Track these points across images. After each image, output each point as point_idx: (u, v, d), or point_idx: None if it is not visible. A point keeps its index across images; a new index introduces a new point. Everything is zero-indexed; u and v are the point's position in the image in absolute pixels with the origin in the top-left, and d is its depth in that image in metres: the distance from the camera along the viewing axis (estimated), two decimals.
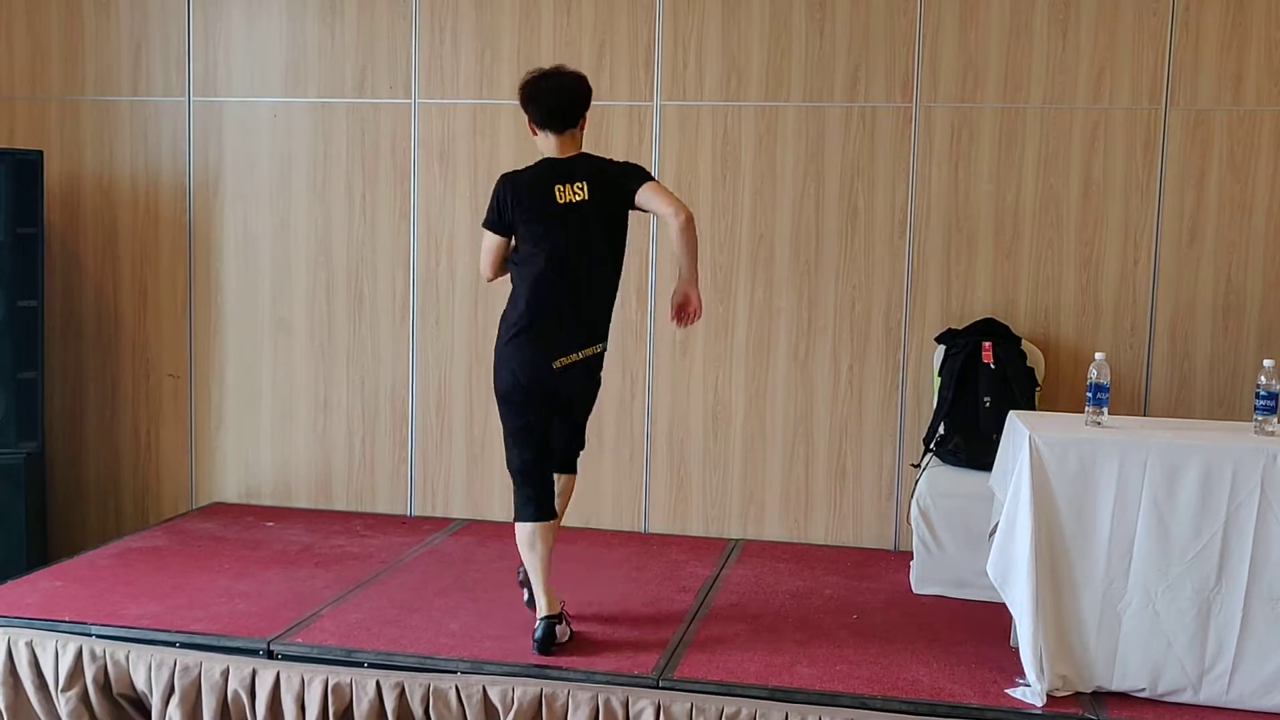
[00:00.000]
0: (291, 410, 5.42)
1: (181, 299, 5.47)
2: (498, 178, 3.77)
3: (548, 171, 3.69)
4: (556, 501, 3.81)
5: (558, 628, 3.66)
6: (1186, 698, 3.42)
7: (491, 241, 3.76)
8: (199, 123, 5.40)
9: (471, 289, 5.21)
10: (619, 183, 3.68)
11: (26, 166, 5.03)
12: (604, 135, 5.01)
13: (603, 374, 3.87)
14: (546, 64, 4.96)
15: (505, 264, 3.80)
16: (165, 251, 5.46)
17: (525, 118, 3.75)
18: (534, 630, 3.66)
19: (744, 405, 5.05)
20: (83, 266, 5.53)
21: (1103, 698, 3.45)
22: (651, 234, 5.00)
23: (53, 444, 5.51)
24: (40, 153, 5.12)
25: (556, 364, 3.65)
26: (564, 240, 3.64)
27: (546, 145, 3.74)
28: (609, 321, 3.80)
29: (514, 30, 5.10)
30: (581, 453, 4.01)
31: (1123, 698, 3.45)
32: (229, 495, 5.51)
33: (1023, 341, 4.70)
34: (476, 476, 5.29)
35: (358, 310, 5.33)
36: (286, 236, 5.36)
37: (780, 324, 5.00)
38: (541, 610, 3.68)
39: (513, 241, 3.75)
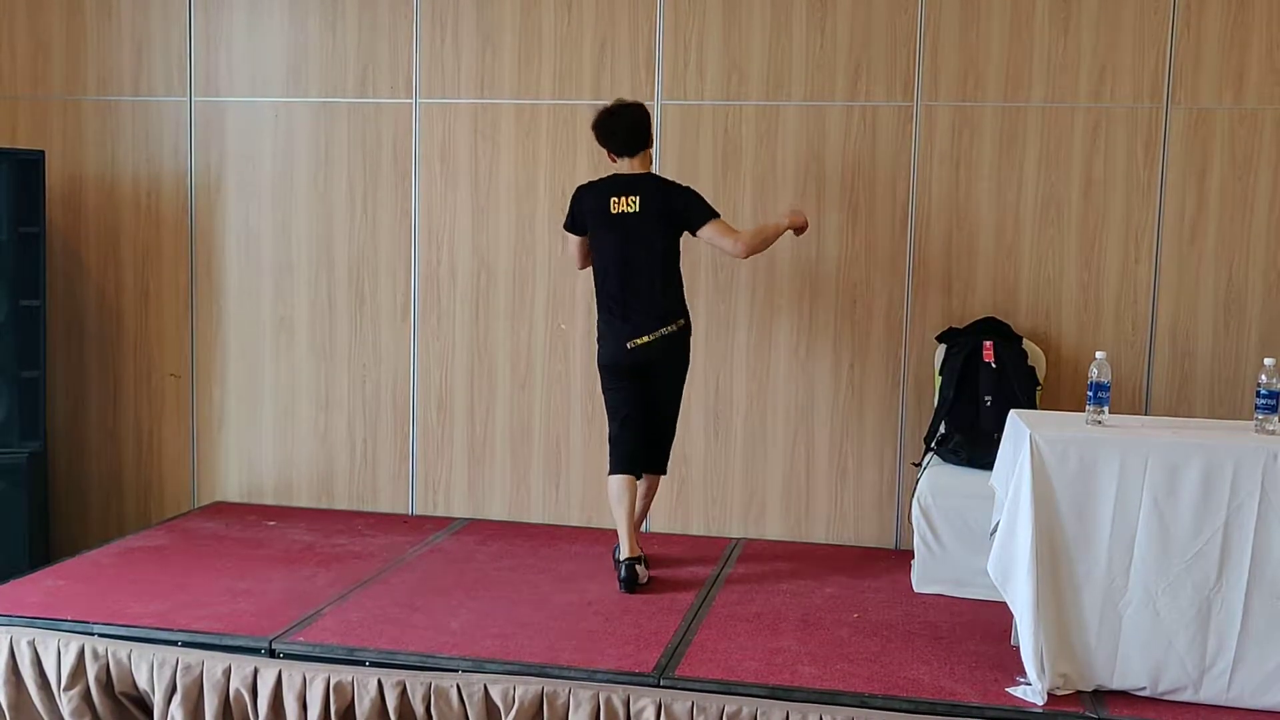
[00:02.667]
0: (293, 409, 5.43)
1: (183, 298, 5.48)
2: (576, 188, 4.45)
3: (610, 186, 4.36)
4: (638, 503, 4.41)
5: (638, 568, 4.25)
6: (1187, 696, 3.42)
7: (570, 241, 4.52)
8: (201, 122, 5.41)
9: (473, 288, 5.22)
10: (680, 212, 4.31)
11: (29, 166, 5.03)
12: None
13: (688, 352, 4.40)
14: (547, 63, 5.06)
15: (589, 257, 4.48)
16: (167, 251, 5.47)
17: (602, 149, 4.39)
18: (617, 572, 4.28)
19: (745, 404, 5.05)
20: (85, 266, 5.54)
21: (1103, 696, 3.45)
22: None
23: (55, 443, 5.52)
24: (42, 152, 5.13)
25: (630, 344, 4.29)
26: (616, 242, 4.31)
27: (622, 167, 4.38)
28: (678, 302, 4.37)
29: (515, 30, 5.10)
30: (669, 453, 4.51)
31: (1124, 696, 3.45)
32: (231, 494, 5.52)
33: (1023, 340, 4.70)
34: (478, 475, 5.30)
35: (359, 309, 5.33)
36: (288, 236, 5.37)
37: (781, 322, 5.00)
38: (624, 553, 4.26)
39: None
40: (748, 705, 3.36)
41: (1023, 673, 3.48)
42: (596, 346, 4.45)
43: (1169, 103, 4.68)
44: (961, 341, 4.65)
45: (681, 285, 4.42)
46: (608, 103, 4.44)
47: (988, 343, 4.57)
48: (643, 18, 4.99)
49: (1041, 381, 4.65)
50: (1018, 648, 3.56)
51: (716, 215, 4.33)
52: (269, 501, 5.47)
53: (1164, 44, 4.66)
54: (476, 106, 5.17)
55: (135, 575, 4.35)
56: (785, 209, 4.66)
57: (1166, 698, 3.43)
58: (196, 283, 5.46)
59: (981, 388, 4.53)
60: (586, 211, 4.38)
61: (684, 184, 4.42)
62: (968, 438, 4.48)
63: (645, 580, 4.29)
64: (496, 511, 5.27)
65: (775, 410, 5.03)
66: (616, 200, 4.30)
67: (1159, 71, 4.67)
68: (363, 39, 5.23)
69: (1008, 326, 4.73)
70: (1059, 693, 3.43)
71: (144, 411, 5.56)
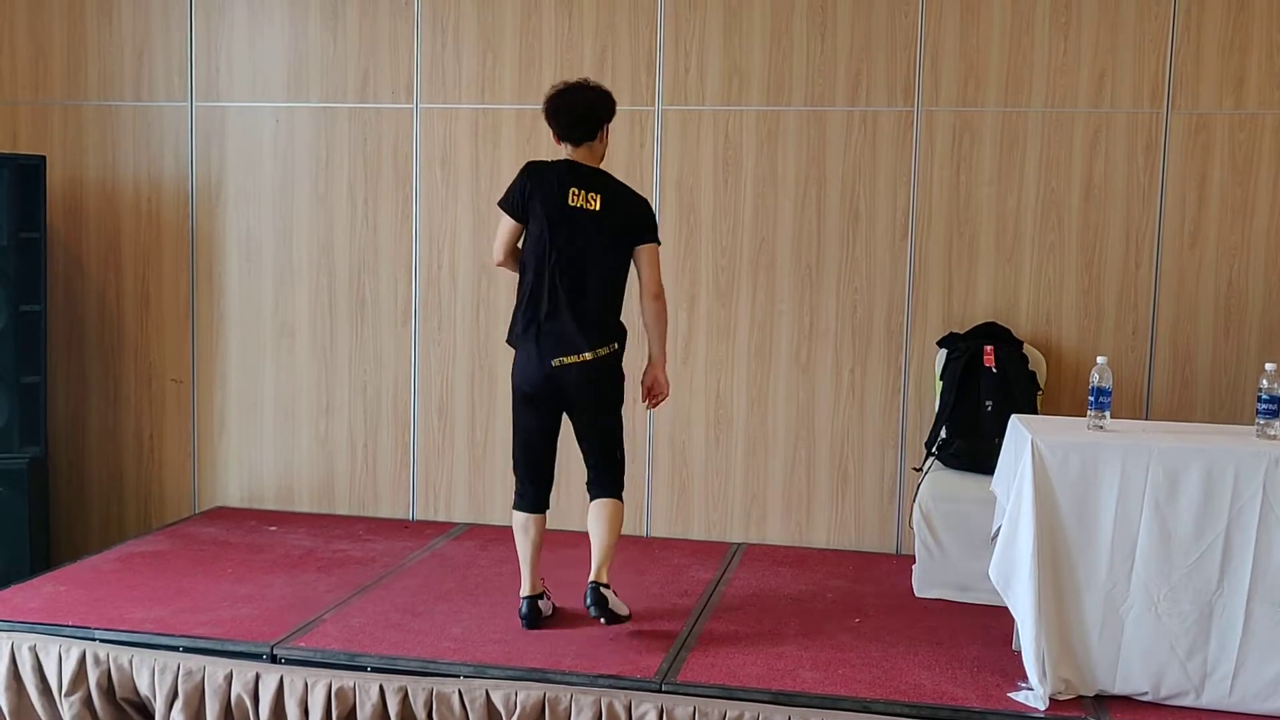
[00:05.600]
0: (294, 414, 5.43)
1: (184, 303, 5.48)
2: (524, 164, 3.94)
3: (570, 173, 3.80)
4: (592, 529, 3.89)
5: (540, 603, 3.92)
6: (1189, 701, 3.42)
7: (505, 224, 3.88)
8: (201, 127, 5.41)
9: (474, 293, 5.22)
10: (635, 220, 3.84)
11: (29, 171, 5.04)
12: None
13: (620, 380, 3.93)
14: (547, 68, 5.05)
15: (515, 253, 3.91)
16: (168, 256, 5.47)
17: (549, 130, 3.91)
18: (519, 609, 3.92)
19: (746, 409, 5.05)
20: (85, 271, 5.54)
21: (1105, 701, 3.45)
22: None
23: (56, 448, 5.51)
24: (43, 157, 5.13)
25: (555, 363, 3.75)
26: (568, 238, 3.75)
27: (568, 155, 3.89)
28: (619, 326, 3.88)
29: (516, 35, 5.11)
30: (619, 479, 3.95)
31: (1125, 701, 3.45)
32: (231, 499, 5.52)
33: (1024, 345, 4.71)
34: (478, 480, 5.29)
35: (360, 314, 5.34)
36: (289, 241, 5.37)
37: (782, 328, 5.00)
38: (525, 590, 3.91)
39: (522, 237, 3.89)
40: (749, 710, 3.36)
41: (1024, 677, 3.49)
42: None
43: (1169, 107, 4.69)
44: (962, 346, 4.65)
45: (621, 306, 3.89)
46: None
47: (989, 347, 4.57)
48: (643, 23, 5.00)
49: (1042, 386, 4.65)
50: (1019, 652, 3.56)
51: (658, 243, 3.89)
52: (270, 507, 5.47)
53: (1164, 49, 4.67)
54: (477, 112, 5.17)
55: (136, 580, 4.35)
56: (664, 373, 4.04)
57: (1168, 703, 3.43)
58: (197, 288, 5.46)
59: (982, 392, 4.53)
60: (535, 195, 3.78)
61: (641, 195, 3.98)
62: (969, 443, 4.49)
63: (549, 613, 3.96)
64: (497, 516, 5.26)
65: (776, 415, 5.03)
66: (576, 192, 3.74)
67: (1159, 76, 4.68)
68: (363, 44, 5.24)
69: (1009, 331, 4.74)
70: (1061, 698, 3.43)
71: (145, 416, 5.56)
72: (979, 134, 4.81)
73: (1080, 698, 3.46)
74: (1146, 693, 3.44)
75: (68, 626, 3.83)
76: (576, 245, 3.75)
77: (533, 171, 3.86)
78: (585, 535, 5.07)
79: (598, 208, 3.75)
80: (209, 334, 5.47)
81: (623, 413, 3.97)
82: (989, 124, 4.81)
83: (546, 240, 3.75)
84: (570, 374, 3.75)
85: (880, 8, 4.83)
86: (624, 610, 3.94)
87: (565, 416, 3.93)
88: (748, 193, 4.98)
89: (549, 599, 4.02)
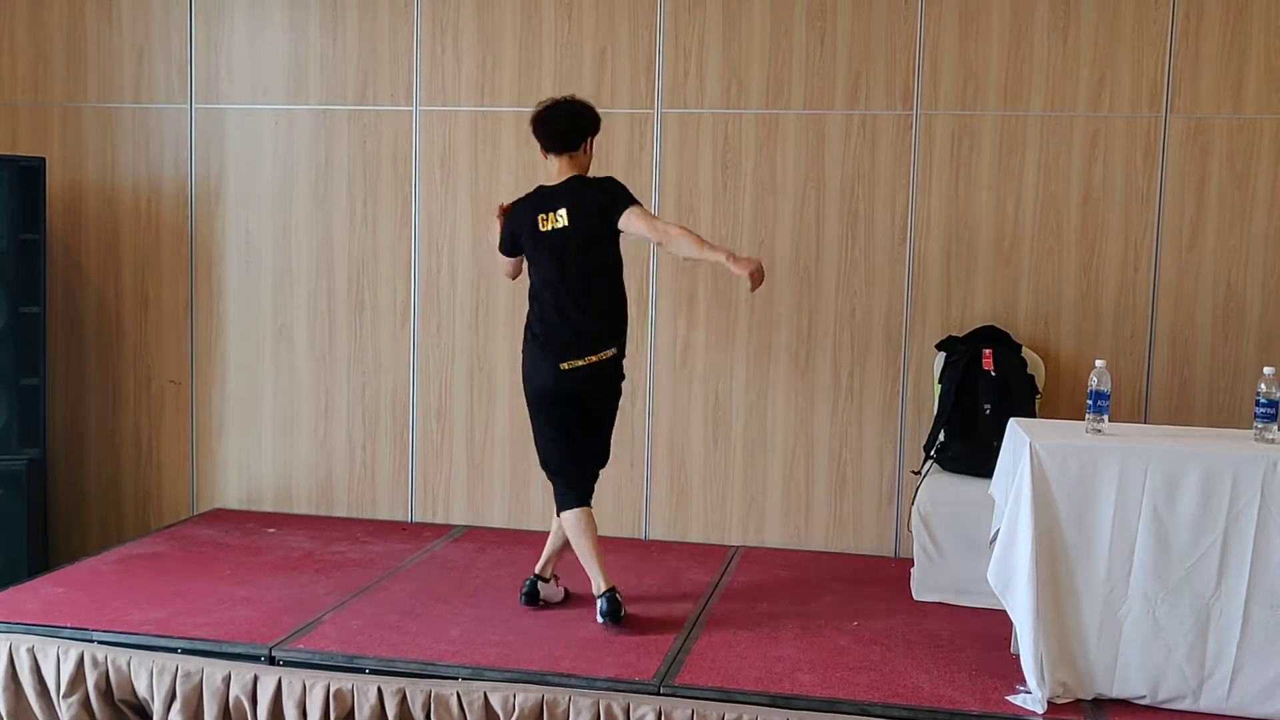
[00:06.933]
0: (293, 416, 5.43)
1: (183, 305, 5.48)
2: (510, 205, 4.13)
3: (536, 202, 4.03)
4: (561, 539, 4.11)
5: (619, 595, 3.98)
6: (1187, 705, 3.42)
7: (504, 261, 4.22)
8: (201, 129, 5.41)
9: (473, 295, 5.22)
10: (602, 211, 3.94)
11: (29, 173, 5.04)
12: (606, 143, 5.01)
13: (621, 380, 4.07)
14: (547, 71, 5.06)
15: (520, 268, 4.19)
16: (167, 258, 5.47)
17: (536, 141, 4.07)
18: (598, 606, 3.96)
19: (744, 412, 5.05)
20: (85, 273, 5.54)
21: (1103, 704, 3.45)
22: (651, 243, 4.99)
23: (54, 450, 5.51)
24: (43, 159, 5.14)
25: (563, 366, 3.94)
26: (550, 262, 3.98)
27: (550, 168, 4.06)
28: (617, 327, 4.05)
29: (515, 38, 5.11)
30: (598, 475, 4.14)
31: (1123, 704, 3.46)
32: (230, 501, 5.52)
33: (1023, 348, 4.71)
34: (477, 483, 5.30)
35: (359, 317, 5.34)
36: (288, 243, 5.37)
37: (780, 331, 5.00)
38: (599, 587, 3.96)
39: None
40: (748, 713, 3.36)
41: (1022, 681, 3.49)
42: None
43: (1168, 112, 4.70)
44: (961, 350, 4.65)
45: (622, 306, 4.07)
46: (607, 110, 4.42)
47: (987, 351, 4.57)
48: (643, 26, 5.01)
49: (1041, 390, 4.65)
50: (1017, 656, 3.56)
51: (637, 202, 3.94)
52: (268, 508, 5.47)
53: (1162, 53, 4.68)
54: (476, 114, 5.17)
55: (135, 582, 4.34)
56: (751, 255, 4.08)
57: (1166, 706, 3.44)
58: (196, 289, 5.46)
59: (981, 396, 4.53)
60: (520, 232, 4.04)
61: (604, 175, 4.09)
62: (967, 446, 4.49)
63: (560, 597, 4.21)
64: (496, 519, 5.27)
65: (775, 418, 5.03)
66: (544, 218, 3.96)
67: (1158, 81, 4.69)
68: (363, 46, 5.24)
69: (1007, 335, 4.74)
70: (1059, 701, 3.43)
71: (143, 418, 5.56)
72: (978, 138, 4.82)
73: (1078, 701, 3.46)
74: (1144, 696, 3.45)
75: (66, 628, 3.83)
76: (560, 262, 3.96)
77: (513, 213, 4.10)
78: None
79: (565, 222, 3.95)
80: (208, 336, 5.47)
81: (617, 417, 4.14)
82: (988, 128, 4.81)
83: (539, 266, 4.02)
84: (576, 376, 3.94)
85: (880, 11, 4.83)
86: (558, 597, 4.20)
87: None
88: (747, 196, 4.99)
89: (557, 583, 4.23)
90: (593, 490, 4.11)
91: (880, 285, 4.92)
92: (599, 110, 4.11)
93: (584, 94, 4.98)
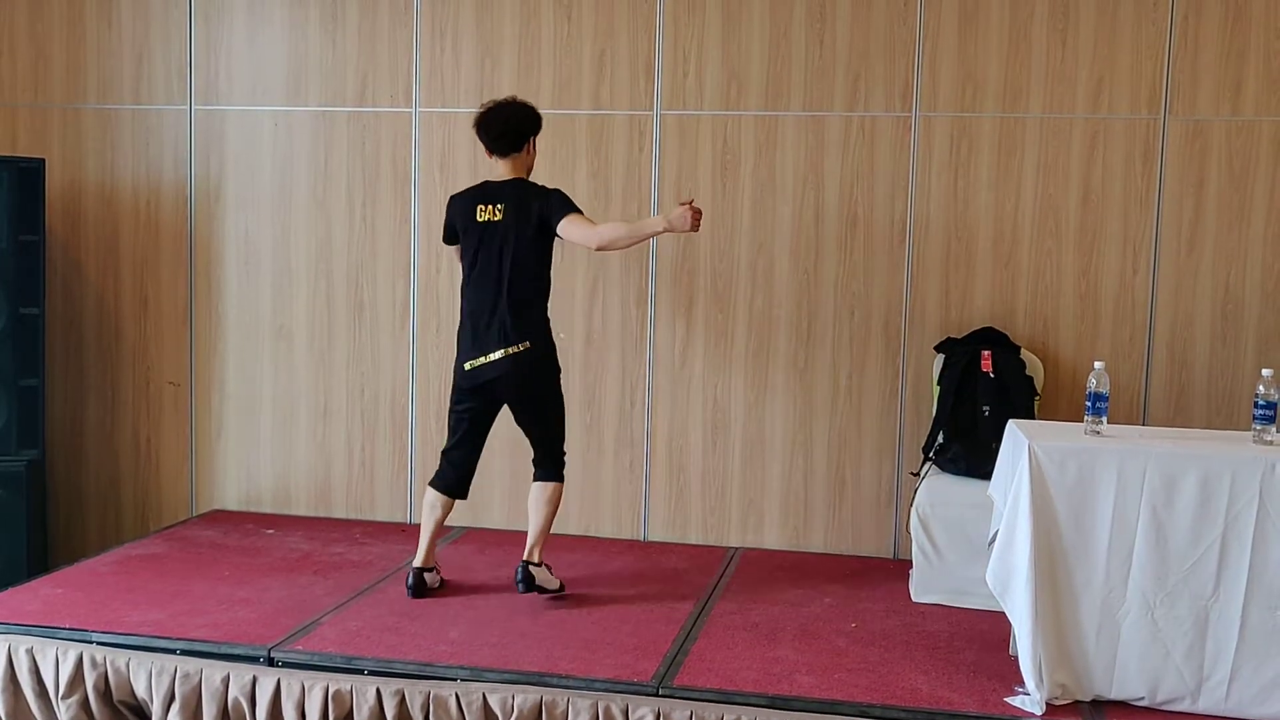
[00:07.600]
0: (292, 418, 5.43)
1: (182, 306, 5.48)
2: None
3: (478, 194, 4.20)
4: (532, 510, 4.24)
5: (427, 575, 4.26)
6: (1185, 706, 3.43)
7: (449, 249, 4.43)
8: (200, 131, 5.42)
9: None
10: (539, 213, 4.09)
11: (29, 174, 5.04)
12: (605, 144, 5.03)
13: (557, 378, 4.23)
14: (546, 73, 5.07)
15: None
16: (166, 259, 5.48)
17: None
18: (408, 577, 4.25)
19: (743, 413, 5.06)
20: (84, 274, 5.54)
21: (1102, 706, 3.46)
22: (652, 241, 5.00)
23: (53, 451, 5.51)
24: (42, 160, 5.14)
25: (468, 364, 4.13)
26: (480, 251, 4.13)
27: (494, 169, 4.24)
28: (535, 324, 4.15)
29: (515, 39, 5.11)
30: (559, 461, 4.28)
31: (1122, 706, 3.46)
32: (229, 502, 5.52)
33: (1022, 350, 4.71)
34: (476, 484, 5.23)
35: (358, 318, 5.34)
36: (287, 244, 5.37)
37: (779, 332, 5.00)
38: (418, 561, 4.25)
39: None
40: (746, 714, 3.37)
41: (1021, 682, 3.49)
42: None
43: (1166, 114, 4.70)
44: (960, 351, 4.65)
45: (542, 303, 4.19)
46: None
47: (986, 352, 4.58)
48: (642, 28, 5.01)
49: (1040, 391, 4.65)
50: (1016, 657, 3.57)
51: (576, 210, 4.08)
52: (267, 510, 5.47)
53: (1161, 55, 4.68)
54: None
55: (133, 583, 4.34)
56: (675, 209, 4.03)
57: (1164, 708, 3.44)
58: (195, 291, 5.46)
59: (980, 397, 4.54)
60: (456, 219, 4.23)
61: (550, 186, 4.21)
62: (966, 447, 4.49)
63: (436, 585, 4.33)
64: (494, 520, 5.27)
65: (774, 420, 5.03)
66: (482, 208, 4.13)
67: (1156, 83, 4.69)
68: (362, 48, 5.25)
69: (1006, 336, 4.74)
70: (1057, 702, 3.44)
71: (142, 419, 5.56)
72: (977, 139, 4.82)
73: (1077, 702, 3.46)
74: (1143, 697, 3.45)
75: (65, 629, 3.83)
76: (489, 256, 4.11)
77: (453, 202, 4.28)
78: (582, 539, 5.11)
79: (500, 216, 4.10)
80: (207, 337, 5.47)
81: (561, 402, 4.30)
82: (987, 129, 4.82)
83: (468, 255, 4.17)
84: (484, 373, 4.11)
85: (879, 13, 4.84)
86: (554, 584, 4.24)
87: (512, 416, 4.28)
88: (746, 197, 4.99)
89: (438, 573, 4.38)
90: (558, 465, 4.26)
91: (879, 287, 4.92)
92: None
93: (583, 95, 5.04)
